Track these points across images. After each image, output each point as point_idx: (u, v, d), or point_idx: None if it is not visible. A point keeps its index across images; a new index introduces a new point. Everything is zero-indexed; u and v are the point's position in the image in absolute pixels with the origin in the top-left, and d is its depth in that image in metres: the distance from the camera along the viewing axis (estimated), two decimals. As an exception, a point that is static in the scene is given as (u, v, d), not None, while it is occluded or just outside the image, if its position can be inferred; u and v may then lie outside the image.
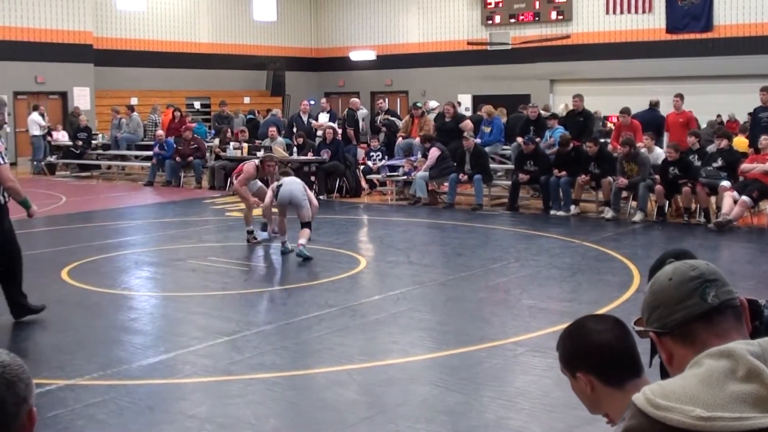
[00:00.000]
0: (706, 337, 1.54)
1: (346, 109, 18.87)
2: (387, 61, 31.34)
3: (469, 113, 21.51)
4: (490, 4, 29.02)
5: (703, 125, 18.43)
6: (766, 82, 15.30)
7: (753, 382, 1.34)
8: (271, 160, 11.37)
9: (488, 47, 28.54)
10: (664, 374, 2.23)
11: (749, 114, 21.26)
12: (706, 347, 1.46)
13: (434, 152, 14.74)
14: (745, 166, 12.13)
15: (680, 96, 14.77)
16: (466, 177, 14.35)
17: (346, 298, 8.09)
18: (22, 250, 7.28)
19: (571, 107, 15.94)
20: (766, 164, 11.90)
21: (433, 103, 19.43)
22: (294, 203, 10.20)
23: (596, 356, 2.05)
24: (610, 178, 12.97)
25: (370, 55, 31.79)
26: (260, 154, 16.70)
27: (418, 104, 17.98)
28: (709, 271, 1.61)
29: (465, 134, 14.77)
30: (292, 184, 10.32)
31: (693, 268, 1.61)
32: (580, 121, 14.90)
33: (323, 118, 18.26)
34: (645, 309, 1.66)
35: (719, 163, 12.39)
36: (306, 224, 10.11)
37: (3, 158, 6.79)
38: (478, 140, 15.31)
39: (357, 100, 19.82)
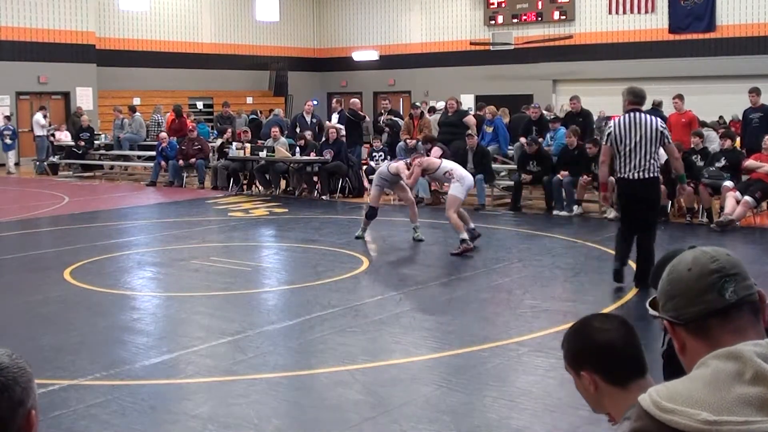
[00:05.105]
0: (720, 333, 1.50)
1: (348, 110, 18.82)
2: (390, 62, 31.33)
3: (471, 113, 21.44)
4: (492, 4, 29.02)
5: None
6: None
7: (760, 385, 1.33)
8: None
9: (491, 47, 28.53)
10: (667, 361, 2.22)
11: (732, 116, 21.28)
12: (721, 343, 1.44)
13: (436, 152, 14.69)
14: (750, 162, 12.10)
15: (680, 96, 14.75)
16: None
17: (348, 298, 8.09)
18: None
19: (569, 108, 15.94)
20: (769, 164, 11.90)
21: (439, 104, 19.41)
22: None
23: (601, 355, 2.05)
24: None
25: (373, 56, 31.79)
26: (262, 154, 16.75)
27: (417, 104, 17.95)
28: (730, 264, 1.54)
29: (469, 131, 14.76)
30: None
31: (714, 260, 1.54)
32: (579, 121, 14.88)
33: (336, 119, 18.19)
34: (661, 296, 1.60)
35: (723, 163, 12.38)
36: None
37: (667, 137, 7.74)
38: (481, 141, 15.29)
39: (357, 101, 19.79)
